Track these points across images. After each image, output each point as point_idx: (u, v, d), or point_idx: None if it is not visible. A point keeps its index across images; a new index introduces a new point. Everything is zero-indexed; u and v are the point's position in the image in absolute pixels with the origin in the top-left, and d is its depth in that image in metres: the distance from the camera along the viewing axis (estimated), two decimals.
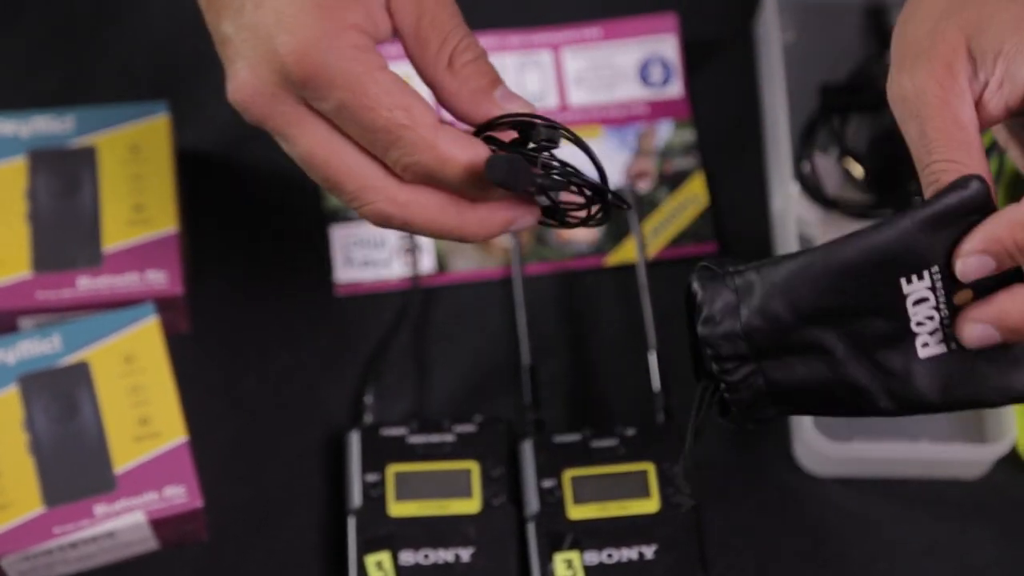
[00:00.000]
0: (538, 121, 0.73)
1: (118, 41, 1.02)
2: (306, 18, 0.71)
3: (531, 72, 1.02)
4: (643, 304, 0.96)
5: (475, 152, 0.72)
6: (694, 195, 1.00)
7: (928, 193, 0.72)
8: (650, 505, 0.90)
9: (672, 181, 1.00)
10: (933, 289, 0.74)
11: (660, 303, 0.96)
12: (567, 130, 0.73)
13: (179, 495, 0.88)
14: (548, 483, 0.91)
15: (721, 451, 0.94)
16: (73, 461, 0.89)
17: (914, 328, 0.75)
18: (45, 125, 0.96)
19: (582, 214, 0.75)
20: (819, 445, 0.92)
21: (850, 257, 0.74)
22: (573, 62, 1.02)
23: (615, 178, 0.99)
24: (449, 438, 0.92)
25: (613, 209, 0.75)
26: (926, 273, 0.74)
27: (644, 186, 1.00)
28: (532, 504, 0.90)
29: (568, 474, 0.91)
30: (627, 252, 0.98)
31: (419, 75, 0.75)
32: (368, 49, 0.72)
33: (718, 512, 0.92)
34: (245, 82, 0.73)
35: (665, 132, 1.01)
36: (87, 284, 0.93)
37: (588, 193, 0.74)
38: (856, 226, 0.97)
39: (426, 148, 0.71)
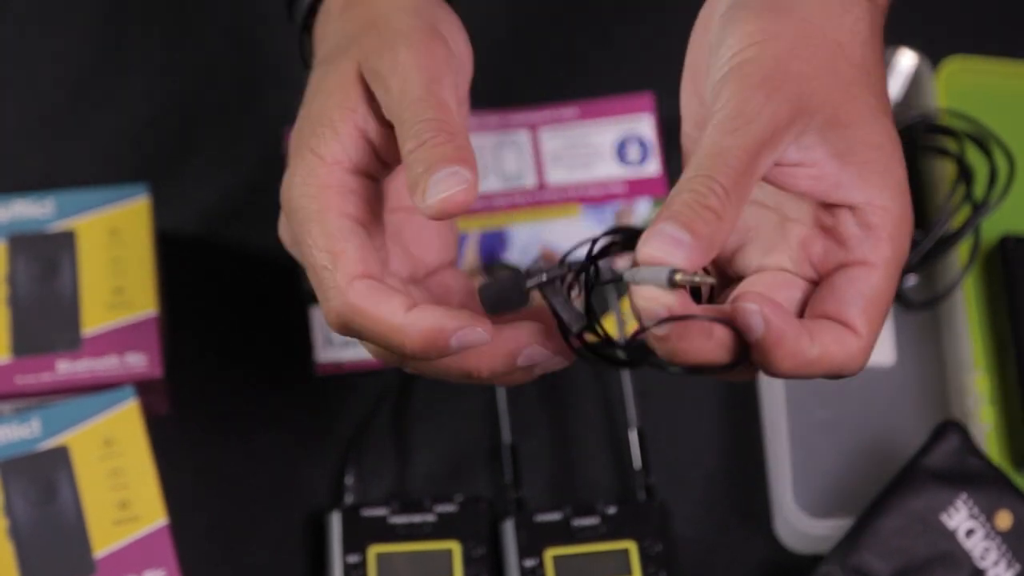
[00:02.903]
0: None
1: (97, 124, 1.03)
2: (296, 159, 0.74)
3: (509, 151, 1.02)
4: (623, 382, 0.96)
5: (388, 308, 0.71)
6: None
7: None
8: None
9: None
10: (975, 516, 0.77)
11: (640, 381, 0.96)
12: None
13: None
14: (530, 563, 0.90)
15: (703, 530, 0.94)
16: (52, 546, 0.88)
17: (979, 565, 0.78)
18: (24, 209, 0.96)
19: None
20: (801, 522, 0.92)
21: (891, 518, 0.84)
22: (550, 141, 1.03)
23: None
24: (430, 518, 0.92)
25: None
26: (959, 502, 0.78)
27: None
28: None
29: (550, 553, 0.91)
30: (607, 329, 0.98)
31: None
32: (334, 189, 0.73)
33: None
34: (280, 221, 0.77)
35: (643, 210, 1.01)
36: (66, 368, 0.93)
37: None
38: None
39: (337, 295, 0.71)
